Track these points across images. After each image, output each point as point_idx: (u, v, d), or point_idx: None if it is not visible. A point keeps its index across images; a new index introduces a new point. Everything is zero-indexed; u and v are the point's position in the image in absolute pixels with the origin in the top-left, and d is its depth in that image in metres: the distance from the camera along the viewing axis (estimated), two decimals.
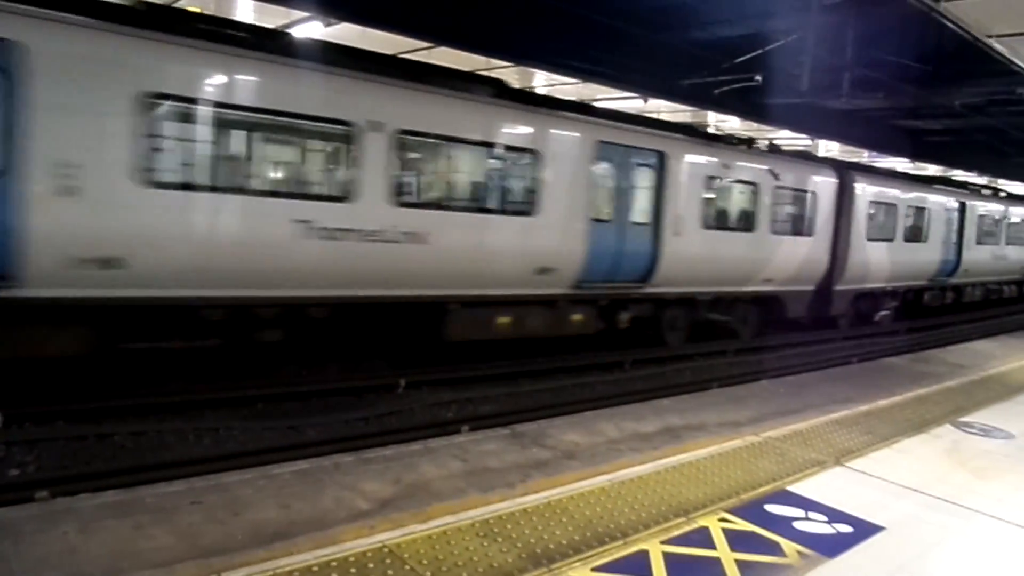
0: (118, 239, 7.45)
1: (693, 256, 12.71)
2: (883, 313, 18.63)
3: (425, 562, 3.89)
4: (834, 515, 4.94)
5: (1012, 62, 11.76)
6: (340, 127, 8.76)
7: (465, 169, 10.51)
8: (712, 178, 13.05)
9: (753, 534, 4.56)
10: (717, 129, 21.98)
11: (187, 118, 7.89)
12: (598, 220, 11.36)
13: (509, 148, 10.38)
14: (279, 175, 9.06)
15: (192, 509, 4.66)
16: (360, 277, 9.11)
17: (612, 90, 18.15)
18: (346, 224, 8.78)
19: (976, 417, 8.02)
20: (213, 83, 7.97)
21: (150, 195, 7.58)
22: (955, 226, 20.40)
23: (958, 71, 14.14)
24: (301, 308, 9.01)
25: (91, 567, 3.91)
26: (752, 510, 4.94)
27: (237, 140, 8.60)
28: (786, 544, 4.43)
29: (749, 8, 11.72)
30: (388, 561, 3.87)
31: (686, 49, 13.34)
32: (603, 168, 11.48)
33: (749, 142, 14.80)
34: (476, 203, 10.32)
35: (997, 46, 10.88)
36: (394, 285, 9.46)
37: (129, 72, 7.44)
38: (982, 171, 29.62)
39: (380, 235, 9.03)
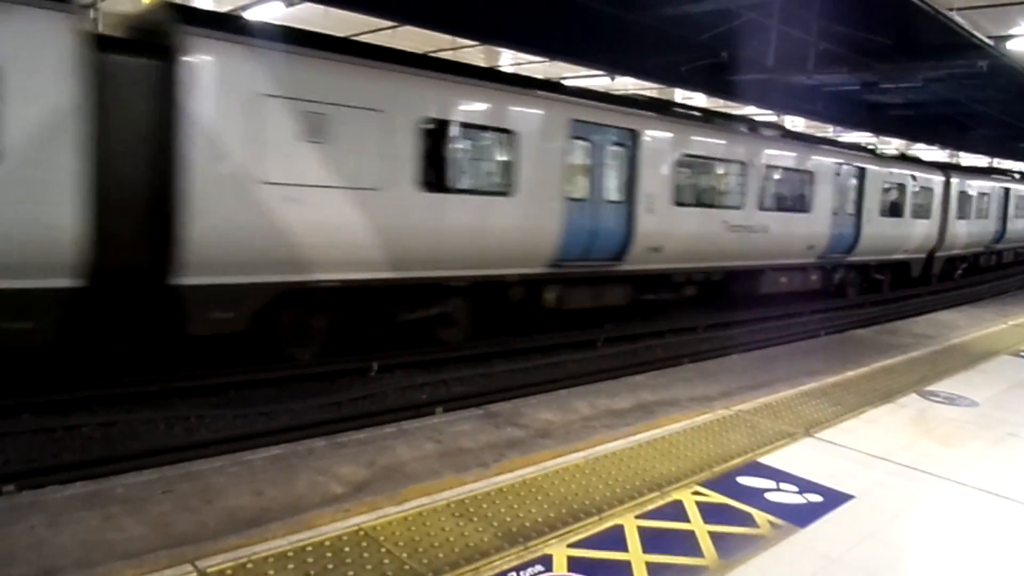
0: (662, 236, 12.79)
1: (875, 235, 18.71)
2: (958, 272, 25.02)
3: (401, 544, 3.88)
4: (804, 485, 5.03)
5: (973, 35, 11.91)
6: (740, 166, 14.57)
7: (783, 184, 16.13)
8: (886, 183, 19.20)
9: (726, 506, 4.62)
10: (685, 104, 22.36)
11: (691, 166, 13.67)
12: (834, 213, 17.20)
13: (801, 171, 16.31)
14: (717, 195, 14.48)
15: (163, 498, 4.62)
16: (739, 254, 14.81)
17: (580, 68, 18.07)
18: (739, 222, 14.50)
19: (941, 386, 8.19)
20: (700, 145, 13.78)
21: (676, 210, 13.03)
22: (1002, 205, 26.47)
23: (920, 45, 14.28)
24: (709, 273, 14.53)
25: (61, 559, 3.86)
26: (724, 483, 5.00)
27: (704, 175, 14.32)
28: (758, 515, 4.50)
29: None
30: (364, 544, 3.86)
31: (654, 26, 13.31)
32: (839, 179, 17.38)
33: (903, 156, 23.08)
34: (787, 206, 16.03)
35: (958, 19, 11.00)
36: (748, 258, 15.12)
37: (674, 145, 13.03)
38: (944, 144, 30.07)
39: (752, 228, 14.83)
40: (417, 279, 9.92)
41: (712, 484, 4.96)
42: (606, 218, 12.03)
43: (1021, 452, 6.16)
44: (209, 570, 3.49)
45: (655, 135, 12.61)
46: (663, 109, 13.73)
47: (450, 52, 17.96)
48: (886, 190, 19.15)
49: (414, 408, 8.26)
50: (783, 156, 15.84)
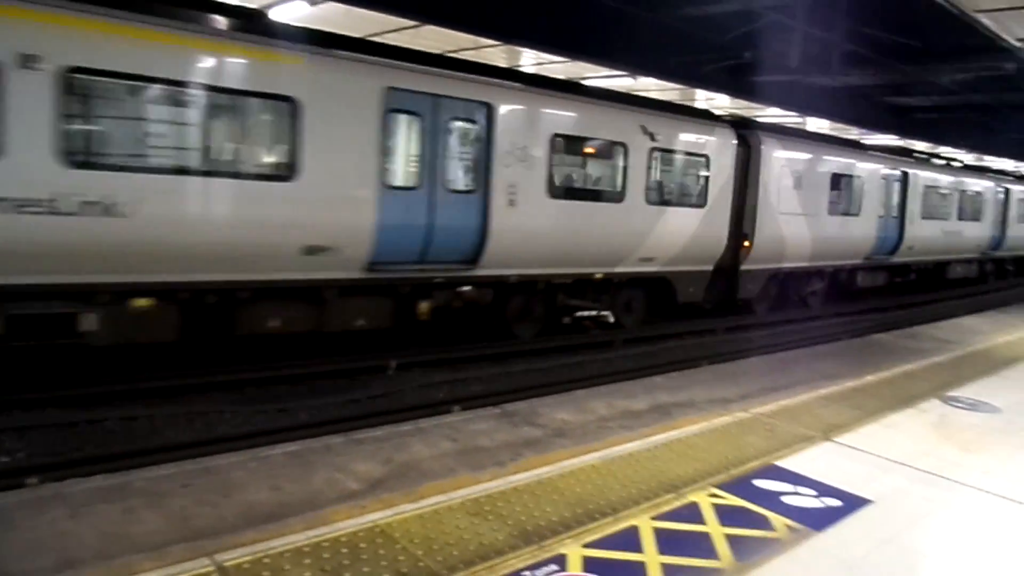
0: (916, 239, 19.46)
1: (1014, 236, 25.68)
2: None
3: (416, 541, 3.90)
4: (823, 489, 4.99)
5: (1000, 37, 11.73)
6: (952, 190, 21.49)
7: (970, 202, 22.59)
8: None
9: (742, 509, 4.60)
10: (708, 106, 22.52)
11: (930, 192, 20.45)
12: (992, 221, 24.19)
13: (977, 193, 23.06)
14: (940, 210, 21.05)
15: (183, 492, 4.67)
16: (946, 251, 21.72)
17: (600, 68, 17.99)
18: (949, 229, 21.25)
19: (963, 391, 8.09)
20: (935, 179, 20.87)
21: (924, 221, 19.84)
22: None
23: (947, 47, 14.09)
24: (927, 264, 21.36)
25: (82, 551, 3.92)
26: (741, 485, 4.98)
27: (935, 196, 20.62)
28: (775, 518, 4.47)
29: None
30: (380, 541, 3.88)
31: (676, 27, 13.25)
32: (996, 197, 24.33)
33: None
34: (970, 217, 22.53)
35: (985, 21, 10.84)
36: (948, 253, 22.04)
37: (923, 179, 20.13)
38: (971, 148, 29.66)
39: (953, 233, 21.49)
40: (815, 267, 16.66)
41: (729, 486, 4.94)
42: (889, 228, 18.59)
43: None
44: (226, 564, 3.53)
45: (913, 171, 19.44)
46: (910, 154, 20.76)
47: (472, 52, 17.96)
48: (1022, 201, 26.64)
49: (431, 406, 8.31)
50: (971, 183, 22.89)
